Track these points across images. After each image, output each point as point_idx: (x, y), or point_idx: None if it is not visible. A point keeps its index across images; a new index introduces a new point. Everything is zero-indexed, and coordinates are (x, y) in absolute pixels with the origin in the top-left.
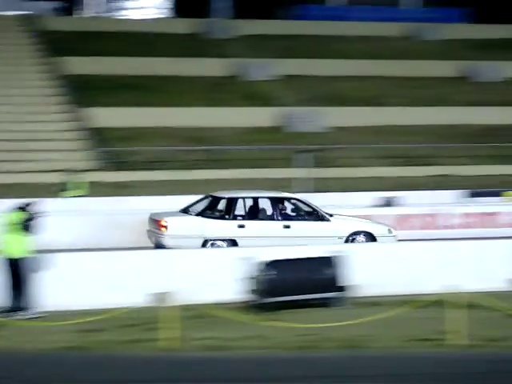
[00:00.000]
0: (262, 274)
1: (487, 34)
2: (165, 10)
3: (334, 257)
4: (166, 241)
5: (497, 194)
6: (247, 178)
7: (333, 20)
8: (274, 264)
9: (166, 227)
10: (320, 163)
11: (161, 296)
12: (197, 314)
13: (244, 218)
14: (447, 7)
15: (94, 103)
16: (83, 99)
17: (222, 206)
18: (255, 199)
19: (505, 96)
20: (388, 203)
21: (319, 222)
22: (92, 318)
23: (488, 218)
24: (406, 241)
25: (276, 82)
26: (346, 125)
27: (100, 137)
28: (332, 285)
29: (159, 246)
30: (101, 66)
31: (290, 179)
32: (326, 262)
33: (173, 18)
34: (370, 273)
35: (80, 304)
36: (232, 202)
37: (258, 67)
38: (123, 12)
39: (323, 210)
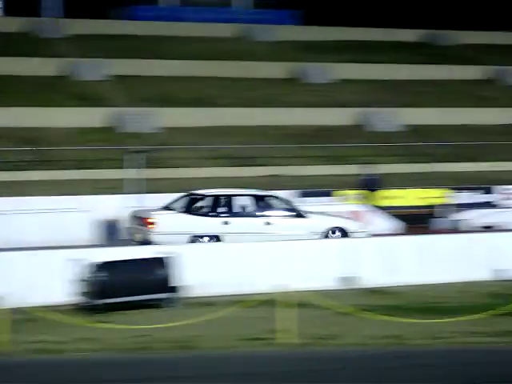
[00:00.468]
0: (93, 276)
1: (316, 36)
2: None
3: (166, 257)
4: (154, 237)
5: (327, 194)
6: (79, 179)
7: (165, 20)
8: (104, 265)
9: (154, 224)
10: (152, 164)
11: None
12: (28, 317)
13: (228, 215)
14: (278, 9)
15: None
16: None
17: (206, 203)
18: (238, 196)
19: (333, 97)
20: None
21: (297, 219)
22: None
23: None
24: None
25: (107, 83)
26: (178, 125)
27: None
28: (164, 285)
29: (145, 242)
30: None
31: (121, 180)
32: (158, 263)
33: (1, 16)
34: (202, 273)
35: None
36: (216, 200)
37: (90, 67)
38: None
39: (300, 207)
